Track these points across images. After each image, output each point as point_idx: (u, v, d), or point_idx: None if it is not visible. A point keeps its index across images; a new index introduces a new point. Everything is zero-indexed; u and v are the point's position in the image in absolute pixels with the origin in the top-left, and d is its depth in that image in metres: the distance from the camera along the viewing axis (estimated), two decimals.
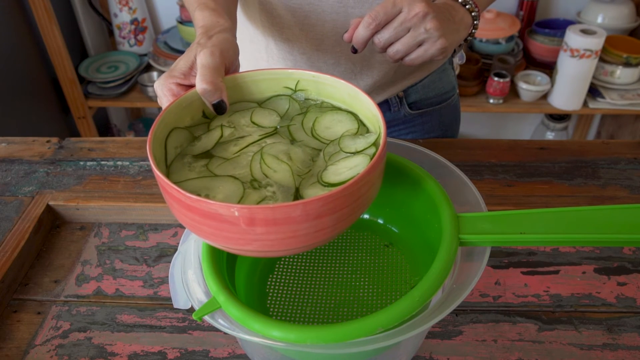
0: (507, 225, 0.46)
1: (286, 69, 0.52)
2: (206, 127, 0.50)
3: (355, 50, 0.59)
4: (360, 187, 0.40)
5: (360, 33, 0.57)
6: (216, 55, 0.49)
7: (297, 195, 0.43)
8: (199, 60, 0.49)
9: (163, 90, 0.49)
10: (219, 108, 0.49)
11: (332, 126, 0.49)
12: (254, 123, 0.50)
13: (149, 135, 0.43)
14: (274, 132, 0.49)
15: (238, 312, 0.42)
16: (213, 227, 0.39)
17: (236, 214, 0.37)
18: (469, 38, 0.63)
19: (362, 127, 0.49)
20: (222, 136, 0.48)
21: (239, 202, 0.41)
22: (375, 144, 0.46)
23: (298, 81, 0.52)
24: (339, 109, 0.51)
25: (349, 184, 0.38)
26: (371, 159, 0.43)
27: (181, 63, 0.50)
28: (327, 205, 0.38)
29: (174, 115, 0.48)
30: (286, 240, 0.39)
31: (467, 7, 0.61)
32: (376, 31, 0.57)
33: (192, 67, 0.50)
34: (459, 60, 0.71)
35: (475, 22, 0.62)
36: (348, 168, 0.44)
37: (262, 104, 0.52)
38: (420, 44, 0.57)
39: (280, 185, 0.43)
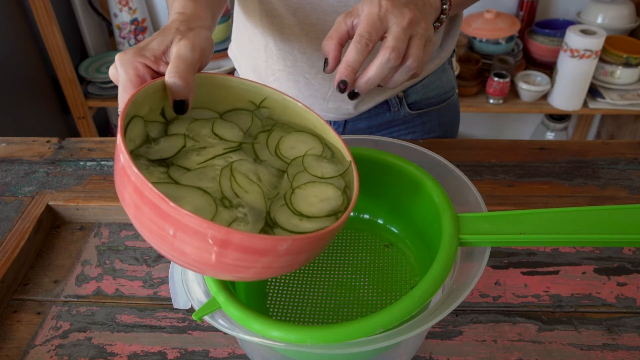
0: (507, 225, 0.46)
1: (258, 83, 0.49)
2: (161, 127, 0.45)
3: (347, 90, 0.48)
4: (339, 228, 0.41)
5: (354, 58, 0.46)
6: (196, 52, 0.45)
7: (268, 219, 0.42)
8: (178, 50, 0.45)
9: (127, 67, 0.44)
10: (180, 108, 0.44)
11: (297, 146, 0.48)
12: (215, 135, 0.46)
13: (121, 115, 0.39)
14: (238, 148, 0.46)
15: (238, 312, 0.42)
16: (185, 242, 0.36)
17: (215, 235, 0.35)
18: (436, 24, 0.57)
19: (326, 150, 0.48)
20: (184, 146, 0.44)
21: (212, 220, 0.39)
22: (344, 177, 0.46)
23: (265, 98, 0.50)
24: (303, 131, 0.50)
25: (334, 227, 0.40)
26: (343, 195, 0.45)
27: (154, 43, 0.45)
28: (310, 244, 0.39)
29: (139, 103, 0.43)
30: (260, 270, 0.39)
31: None
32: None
33: (165, 51, 0.45)
34: None
35: (444, 6, 0.56)
36: (319, 199, 0.44)
37: (222, 115, 0.49)
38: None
39: (252, 208, 0.42)
